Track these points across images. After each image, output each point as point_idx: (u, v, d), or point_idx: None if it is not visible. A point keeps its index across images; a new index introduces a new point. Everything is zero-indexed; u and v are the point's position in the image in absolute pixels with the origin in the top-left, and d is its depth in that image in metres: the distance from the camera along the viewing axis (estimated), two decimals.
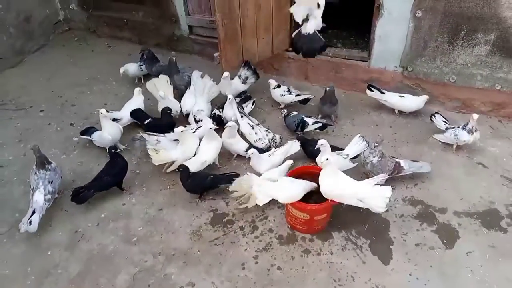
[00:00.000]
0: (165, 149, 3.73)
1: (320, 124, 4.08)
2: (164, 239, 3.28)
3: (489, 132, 4.13)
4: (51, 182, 3.41)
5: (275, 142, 3.97)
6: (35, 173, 3.42)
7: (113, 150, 3.56)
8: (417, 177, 3.69)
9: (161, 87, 4.31)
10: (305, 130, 4.08)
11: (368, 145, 3.52)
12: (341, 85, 4.71)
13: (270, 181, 3.24)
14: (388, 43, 4.23)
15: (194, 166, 3.58)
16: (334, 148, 3.74)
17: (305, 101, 4.42)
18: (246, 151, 3.80)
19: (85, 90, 4.96)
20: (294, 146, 3.79)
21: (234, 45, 4.20)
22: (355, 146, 3.58)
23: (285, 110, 4.26)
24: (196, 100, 4.29)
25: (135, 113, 4.19)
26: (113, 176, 3.58)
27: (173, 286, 2.97)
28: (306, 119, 4.09)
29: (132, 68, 5.01)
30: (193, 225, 3.38)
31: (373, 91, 4.32)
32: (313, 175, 3.17)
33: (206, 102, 4.27)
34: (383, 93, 4.31)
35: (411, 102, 4.29)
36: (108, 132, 3.88)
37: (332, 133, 4.20)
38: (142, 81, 5.04)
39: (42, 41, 5.84)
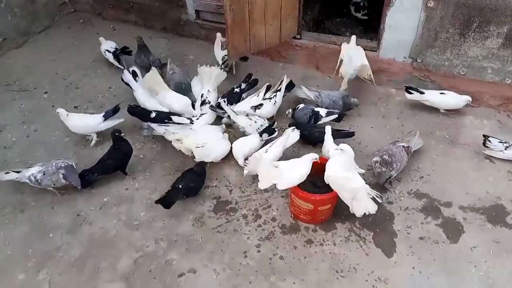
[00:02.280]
0: (186, 136, 3.67)
1: (335, 116, 3.96)
2: (166, 225, 3.27)
3: (498, 127, 4.07)
4: (44, 174, 3.33)
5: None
6: (53, 163, 3.39)
7: (117, 134, 3.52)
8: (423, 170, 3.66)
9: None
10: (319, 122, 3.95)
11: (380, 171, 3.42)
12: None
13: (273, 166, 3.21)
14: (398, 33, 4.14)
15: (199, 154, 3.56)
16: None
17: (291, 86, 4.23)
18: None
19: (89, 73, 4.90)
20: (292, 135, 3.62)
21: (241, 31, 4.13)
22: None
23: (290, 110, 4.11)
24: (203, 87, 4.23)
25: (133, 111, 3.96)
26: (117, 160, 3.56)
27: (175, 272, 2.96)
28: (318, 109, 3.99)
29: (107, 45, 4.92)
30: (196, 212, 3.36)
31: (411, 93, 4.15)
32: (317, 165, 3.13)
33: (213, 90, 4.20)
34: (423, 93, 4.14)
35: (452, 99, 4.11)
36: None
37: (338, 124, 4.14)
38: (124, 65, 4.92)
39: (47, 22, 5.76)
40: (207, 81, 4.16)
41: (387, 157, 3.40)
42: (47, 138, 3.93)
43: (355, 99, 4.15)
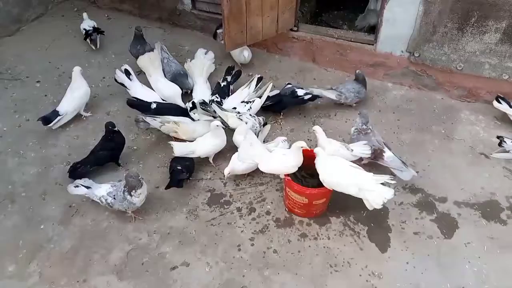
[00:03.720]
0: (184, 121, 3.63)
1: (310, 96, 4.02)
2: (159, 217, 3.24)
3: (493, 123, 4.05)
4: (114, 198, 3.08)
5: (260, 124, 3.81)
6: (121, 183, 3.10)
7: (110, 127, 3.47)
8: (418, 165, 3.63)
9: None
10: None
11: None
12: (345, 68, 4.61)
13: (263, 147, 3.21)
14: (396, 26, 4.10)
15: (180, 149, 3.44)
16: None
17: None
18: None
19: (83, 62, 4.81)
20: (281, 146, 3.49)
21: (238, 22, 4.07)
22: (361, 148, 3.34)
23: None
24: (195, 81, 4.19)
25: (133, 104, 3.89)
26: (109, 150, 3.51)
27: (168, 265, 2.93)
28: (297, 90, 4.05)
29: (85, 24, 4.98)
30: (190, 205, 3.33)
31: (500, 102, 3.93)
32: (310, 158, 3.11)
33: (204, 82, 4.16)
34: None
35: None
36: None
37: (335, 117, 4.12)
38: (96, 45, 4.99)
39: (41, 10, 5.65)
40: (199, 74, 4.12)
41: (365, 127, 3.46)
42: (39, 128, 3.85)
43: (358, 71, 4.15)
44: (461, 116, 4.13)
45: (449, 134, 3.94)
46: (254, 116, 3.77)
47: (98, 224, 3.19)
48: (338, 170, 2.97)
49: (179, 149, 3.42)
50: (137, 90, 4.05)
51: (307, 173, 3.22)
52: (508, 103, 3.92)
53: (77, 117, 4.07)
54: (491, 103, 4.19)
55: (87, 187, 3.16)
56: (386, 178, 2.93)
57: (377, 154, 3.39)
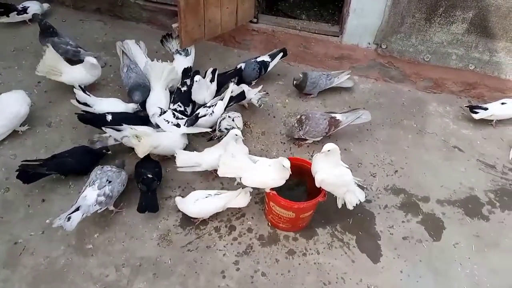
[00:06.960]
0: (147, 134, 3.14)
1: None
2: (127, 247, 2.80)
3: (461, 114, 4.03)
4: (110, 182, 2.81)
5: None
6: (100, 169, 2.90)
7: (104, 151, 3.21)
8: (396, 163, 3.51)
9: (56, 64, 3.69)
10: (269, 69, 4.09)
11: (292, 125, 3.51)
12: (310, 62, 4.37)
13: (249, 159, 2.87)
14: (363, 17, 3.90)
15: (184, 161, 3.08)
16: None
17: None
18: None
19: (12, 64, 4.13)
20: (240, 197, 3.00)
21: (195, 15, 3.64)
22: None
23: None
24: (152, 86, 3.67)
25: (85, 118, 3.36)
26: (79, 162, 3.10)
27: None
28: (262, 59, 4.02)
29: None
30: (160, 228, 2.92)
31: (477, 112, 3.79)
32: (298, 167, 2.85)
33: (163, 89, 3.66)
34: (486, 108, 3.78)
35: None
36: None
37: None
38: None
39: None
40: (157, 79, 3.63)
41: (303, 118, 3.45)
42: None
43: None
44: (429, 108, 4.08)
45: (421, 128, 3.86)
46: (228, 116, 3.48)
47: (53, 263, 2.69)
48: (335, 169, 2.76)
49: (183, 161, 3.05)
50: (102, 104, 3.47)
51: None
52: (480, 108, 3.83)
53: (12, 131, 3.44)
54: (456, 94, 4.21)
55: (76, 210, 2.67)
56: (357, 179, 2.94)
57: (333, 124, 3.46)
